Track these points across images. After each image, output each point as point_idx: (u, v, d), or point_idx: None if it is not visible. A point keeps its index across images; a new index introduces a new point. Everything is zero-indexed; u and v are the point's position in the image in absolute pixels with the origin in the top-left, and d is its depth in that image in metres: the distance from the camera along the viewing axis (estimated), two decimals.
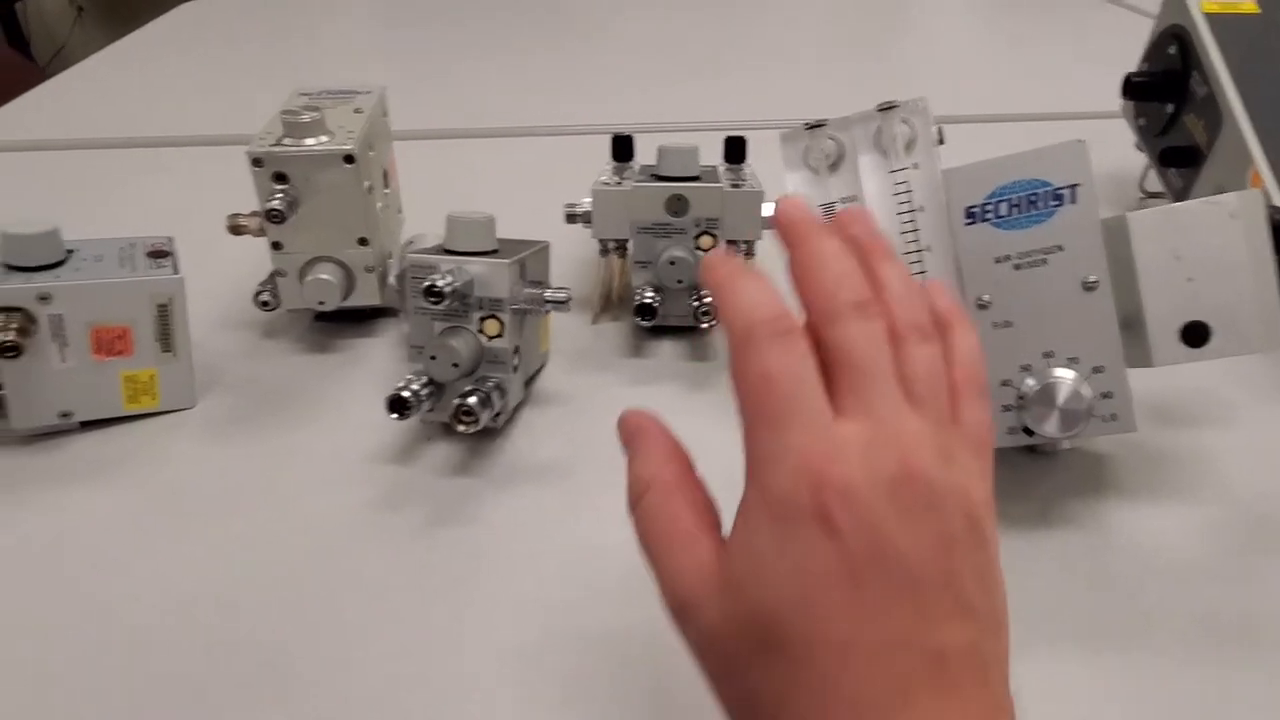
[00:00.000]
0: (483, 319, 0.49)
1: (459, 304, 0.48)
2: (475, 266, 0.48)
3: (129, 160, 0.91)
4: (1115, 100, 0.73)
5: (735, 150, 0.63)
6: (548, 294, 0.49)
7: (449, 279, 0.47)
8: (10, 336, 0.46)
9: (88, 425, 0.52)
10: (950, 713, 0.25)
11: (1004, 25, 1.40)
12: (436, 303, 0.46)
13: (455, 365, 0.48)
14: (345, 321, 0.62)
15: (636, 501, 0.30)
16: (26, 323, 0.47)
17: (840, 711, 0.25)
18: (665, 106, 1.01)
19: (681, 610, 0.28)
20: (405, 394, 0.47)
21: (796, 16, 1.43)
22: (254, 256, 0.62)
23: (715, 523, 0.29)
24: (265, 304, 0.58)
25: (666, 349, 0.60)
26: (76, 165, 0.91)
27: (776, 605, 0.26)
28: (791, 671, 0.25)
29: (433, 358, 0.48)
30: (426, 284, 0.46)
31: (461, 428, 0.47)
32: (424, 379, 0.49)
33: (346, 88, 0.63)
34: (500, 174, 0.88)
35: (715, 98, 1.06)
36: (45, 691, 0.38)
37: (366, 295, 0.59)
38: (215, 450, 0.51)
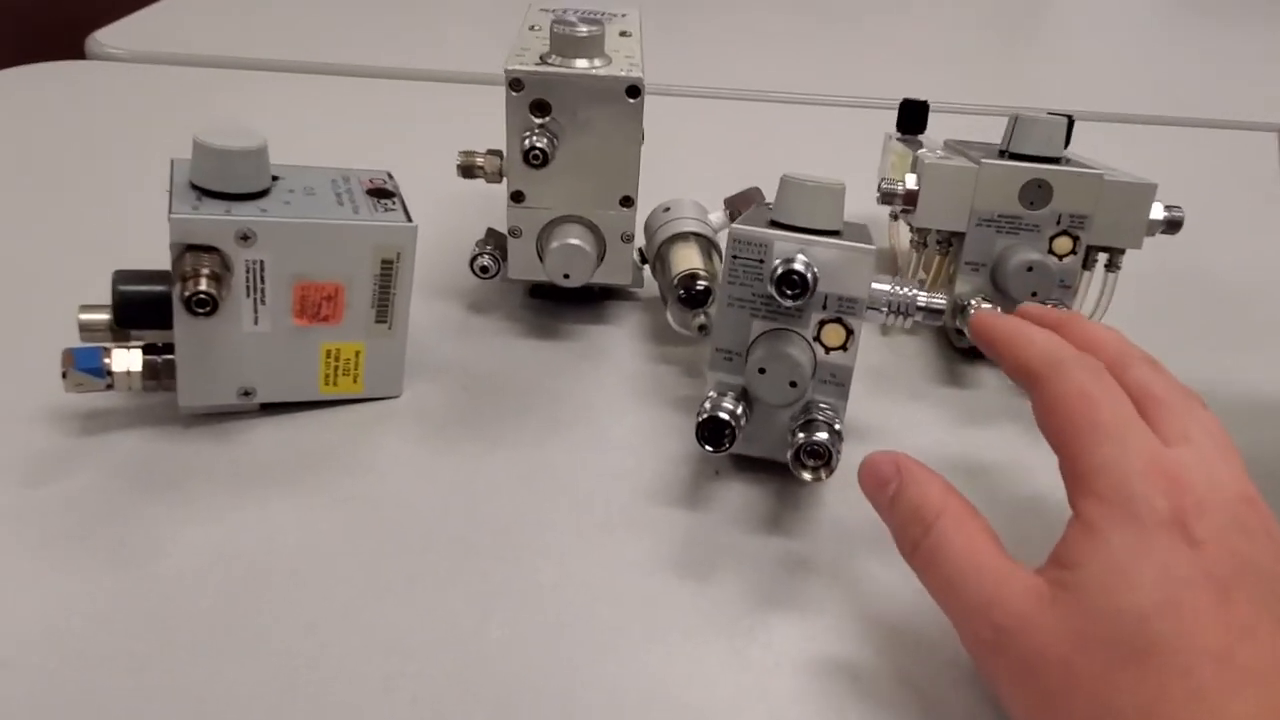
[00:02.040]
0: (823, 323, 0.36)
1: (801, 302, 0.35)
2: (825, 251, 0.35)
3: (267, 84, 0.79)
4: None
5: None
6: (923, 299, 0.35)
7: (808, 264, 0.34)
8: (204, 286, 0.33)
9: (268, 410, 0.40)
10: None
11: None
12: (797, 296, 0.33)
13: (793, 385, 0.35)
14: (568, 300, 0.49)
15: (925, 531, 0.28)
16: (222, 269, 0.34)
17: None
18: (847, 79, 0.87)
19: (1005, 636, 0.26)
20: (723, 415, 0.34)
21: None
22: (443, 206, 0.50)
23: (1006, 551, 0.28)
24: (485, 270, 0.46)
25: (990, 380, 0.46)
26: (206, 83, 0.79)
27: (1143, 608, 0.24)
28: (1162, 681, 0.23)
29: (761, 370, 0.35)
30: (785, 270, 0.33)
31: (807, 475, 0.33)
32: (734, 395, 0.36)
33: (596, 8, 0.50)
34: (706, 137, 0.74)
35: (889, 73, 0.92)
36: None
37: (617, 272, 0.46)
38: (436, 460, 0.38)
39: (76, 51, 0.84)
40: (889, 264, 0.57)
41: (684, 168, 0.59)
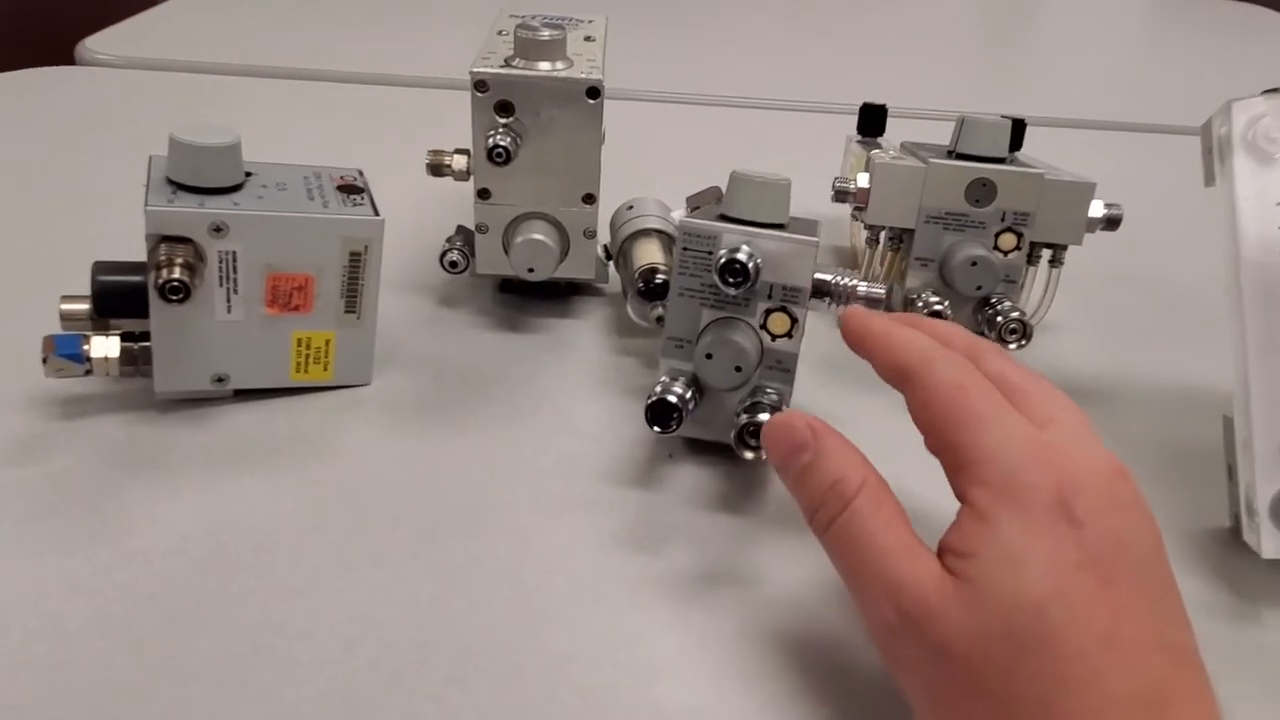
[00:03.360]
0: (769, 311, 0.38)
1: (745, 291, 0.37)
2: (770, 243, 0.37)
3: (251, 89, 0.81)
4: None
5: (1013, 135, 0.51)
6: (864, 288, 0.37)
7: (750, 254, 0.35)
8: (177, 274, 0.35)
9: (241, 396, 0.42)
10: (1204, 713, 0.24)
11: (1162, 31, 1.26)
12: (739, 284, 0.35)
13: (738, 369, 0.37)
14: (535, 295, 0.51)
15: (843, 508, 0.28)
16: (195, 258, 0.36)
17: (1113, 712, 0.24)
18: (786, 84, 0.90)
19: (909, 623, 0.26)
20: (671, 398, 0.36)
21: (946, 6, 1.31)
22: (415, 206, 0.52)
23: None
24: (454, 265, 0.47)
25: None
26: (192, 88, 0.81)
27: (1038, 597, 0.25)
28: (1058, 669, 0.24)
29: (709, 356, 0.37)
30: (727, 259, 0.35)
31: (749, 454, 0.35)
32: (684, 380, 0.38)
33: (562, 13, 0.52)
34: (673, 140, 0.77)
35: (844, 79, 0.94)
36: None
37: (580, 266, 0.47)
38: (403, 444, 0.40)
39: (67, 58, 0.86)
40: (849, 260, 0.59)
41: (649, 168, 0.61)
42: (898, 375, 0.31)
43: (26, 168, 0.64)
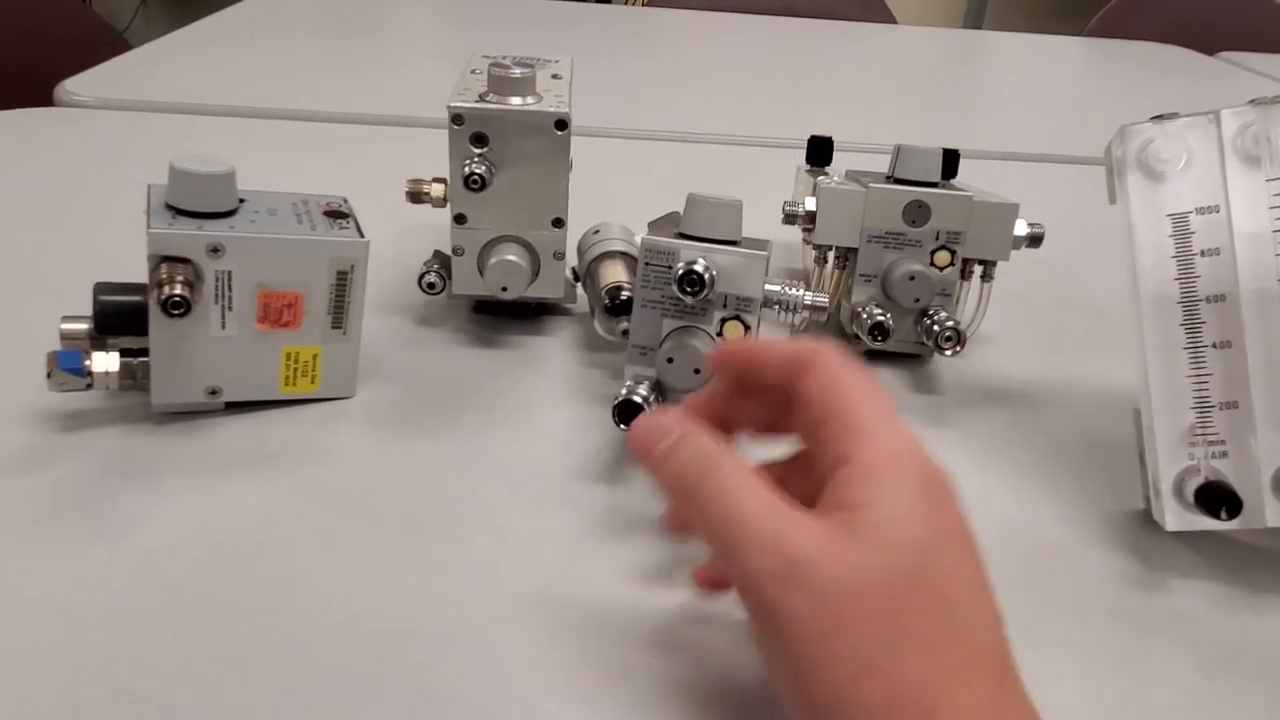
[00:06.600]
0: (724, 320, 0.41)
1: (702, 300, 0.41)
2: (724, 257, 0.41)
3: (228, 129, 0.84)
4: None
5: (947, 164, 0.56)
6: (809, 297, 0.41)
7: (706, 266, 0.39)
8: (178, 290, 0.38)
9: (232, 408, 0.44)
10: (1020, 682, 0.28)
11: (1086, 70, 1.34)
12: (696, 293, 0.38)
13: (697, 372, 0.40)
14: (508, 315, 0.55)
15: (711, 471, 0.29)
16: (194, 277, 0.39)
17: (981, 661, 0.27)
18: (739, 121, 0.95)
19: (797, 567, 0.27)
20: (636, 399, 0.39)
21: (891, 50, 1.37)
22: (395, 234, 0.55)
23: None
24: (432, 286, 0.51)
25: (884, 377, 0.52)
26: (169, 128, 0.84)
27: (926, 545, 0.27)
28: (936, 609, 0.27)
29: (670, 360, 0.40)
30: (685, 270, 0.39)
31: None
32: (648, 384, 0.41)
33: (530, 55, 0.56)
34: (637, 173, 0.81)
35: (790, 118, 1.00)
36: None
37: (549, 286, 0.51)
38: (387, 450, 0.43)
39: (45, 99, 0.88)
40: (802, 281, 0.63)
41: (615, 199, 0.65)
42: (797, 363, 0.32)
43: (13, 203, 0.67)
